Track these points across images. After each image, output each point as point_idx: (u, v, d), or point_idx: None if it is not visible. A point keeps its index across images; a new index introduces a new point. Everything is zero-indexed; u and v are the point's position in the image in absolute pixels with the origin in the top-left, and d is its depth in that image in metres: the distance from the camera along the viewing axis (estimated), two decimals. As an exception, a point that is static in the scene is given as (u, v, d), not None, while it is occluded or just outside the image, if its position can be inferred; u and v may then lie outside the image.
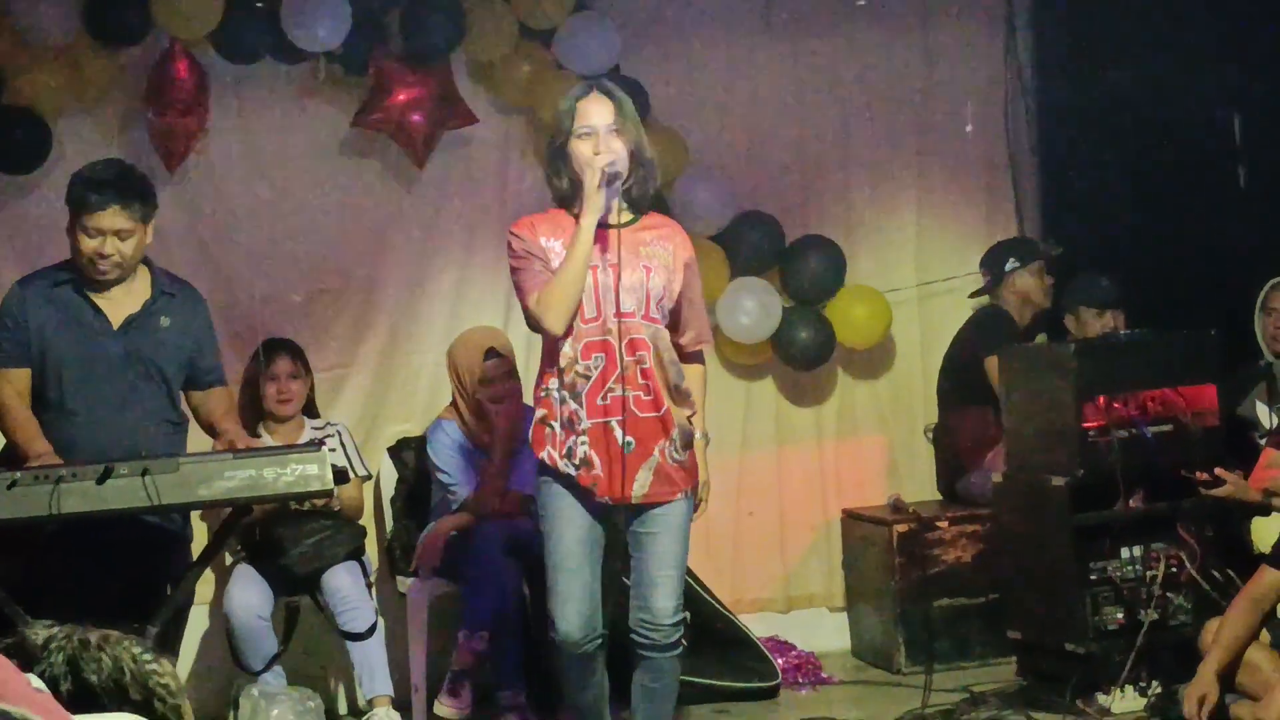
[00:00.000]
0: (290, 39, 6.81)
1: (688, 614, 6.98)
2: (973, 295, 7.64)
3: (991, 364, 6.93)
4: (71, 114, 6.80)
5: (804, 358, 7.54)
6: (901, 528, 7.16)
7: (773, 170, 7.72)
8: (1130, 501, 6.22)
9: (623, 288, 4.90)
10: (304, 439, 6.52)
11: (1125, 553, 6.23)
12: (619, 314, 4.88)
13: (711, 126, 7.62)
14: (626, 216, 5.03)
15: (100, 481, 4.86)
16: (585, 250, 4.86)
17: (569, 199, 4.99)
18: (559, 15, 7.19)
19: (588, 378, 4.88)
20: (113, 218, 5.33)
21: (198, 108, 6.87)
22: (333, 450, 5.14)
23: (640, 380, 4.91)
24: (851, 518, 7.56)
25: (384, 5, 6.99)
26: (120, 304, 5.44)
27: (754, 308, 7.40)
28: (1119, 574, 6.21)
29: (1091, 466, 6.17)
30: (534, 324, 4.98)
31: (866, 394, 7.83)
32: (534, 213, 5.24)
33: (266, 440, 6.54)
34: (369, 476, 6.90)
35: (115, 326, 5.41)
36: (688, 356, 5.21)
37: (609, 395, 4.89)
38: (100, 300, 5.41)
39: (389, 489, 6.99)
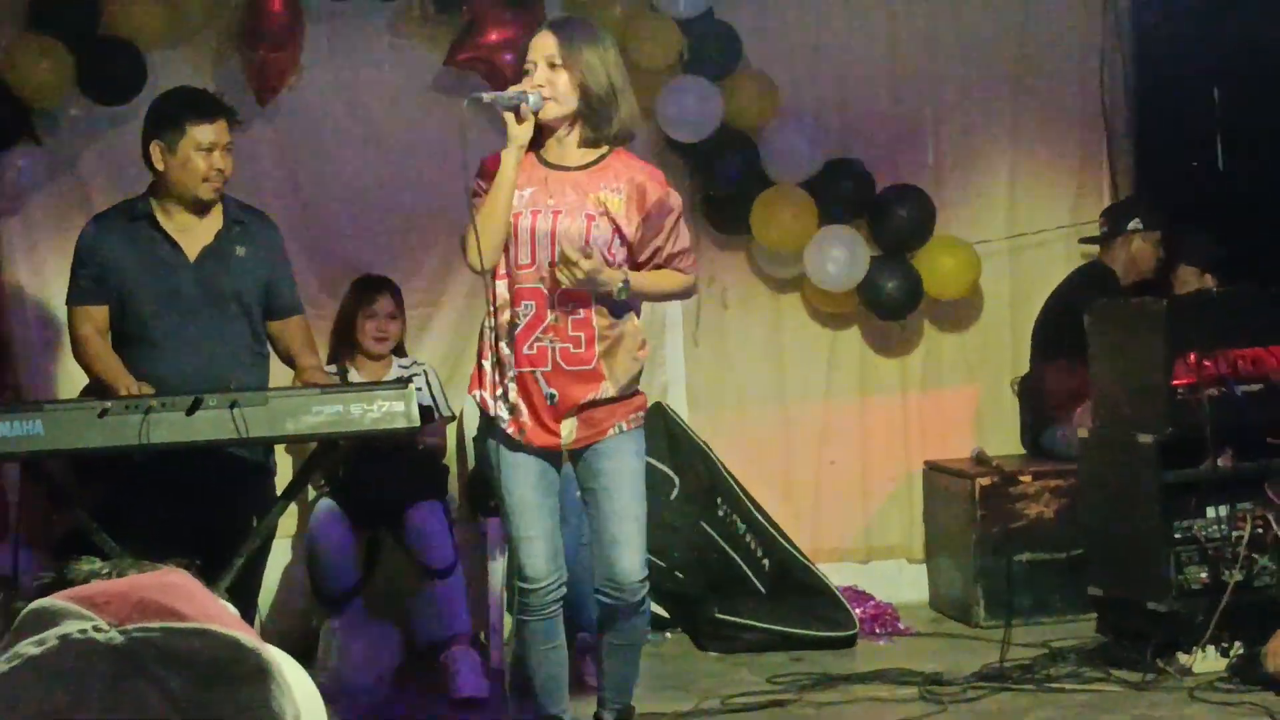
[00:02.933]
0: (385, -25, 6.82)
1: (763, 557, 7.05)
2: (1083, 241, 7.57)
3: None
4: (166, 46, 6.84)
5: (890, 308, 7.50)
6: (984, 481, 7.12)
7: (864, 118, 7.67)
8: (1219, 461, 6.17)
9: (561, 235, 4.71)
10: (391, 376, 6.54)
11: (1211, 512, 6.18)
12: (554, 263, 4.69)
13: (803, 72, 7.58)
14: (582, 157, 4.82)
15: (190, 413, 4.87)
16: (505, 188, 4.70)
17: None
18: (654, -43, 7.16)
19: (519, 323, 4.73)
20: (220, 131, 5.36)
21: (291, 43, 6.89)
22: (419, 389, 5.12)
23: (571, 332, 4.73)
24: (934, 470, 7.53)
25: (479, -56, 6.98)
26: (195, 236, 5.43)
27: (841, 256, 7.36)
28: (1204, 533, 6.15)
29: (1180, 424, 6.11)
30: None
31: (952, 346, 7.78)
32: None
33: (354, 375, 6.58)
34: (453, 417, 6.93)
35: (191, 259, 5.41)
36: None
37: (535, 345, 4.73)
38: (176, 233, 5.41)
39: (471, 429, 6.99)
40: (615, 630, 4.96)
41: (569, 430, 4.80)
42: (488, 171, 4.81)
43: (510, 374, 4.75)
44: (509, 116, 4.72)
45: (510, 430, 4.79)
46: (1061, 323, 7.26)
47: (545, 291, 4.73)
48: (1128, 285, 7.34)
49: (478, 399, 4.86)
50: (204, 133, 5.33)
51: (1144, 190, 7.75)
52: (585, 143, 4.82)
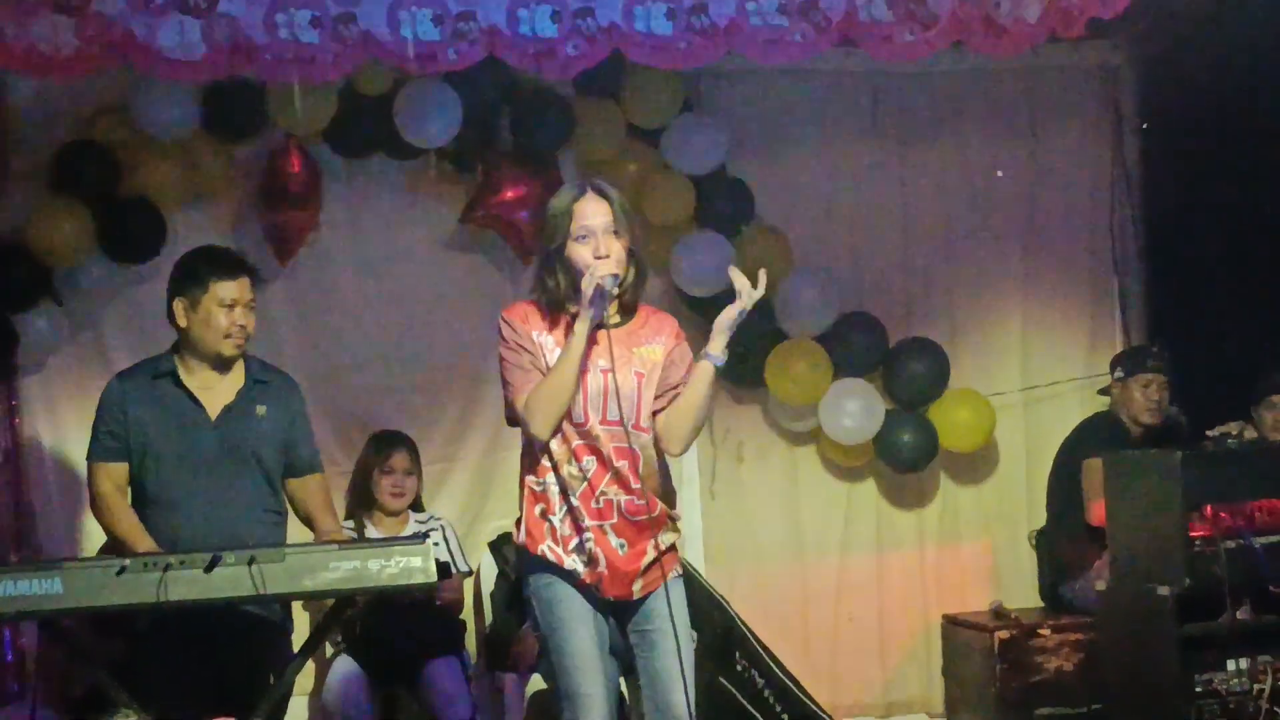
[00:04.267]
0: (402, 136, 6.91)
1: (782, 712, 7.01)
2: (1101, 392, 7.57)
3: (1087, 467, 6.88)
4: (187, 206, 6.93)
5: (906, 460, 7.51)
6: (1003, 634, 7.09)
7: (877, 272, 7.73)
8: (1237, 613, 6.14)
9: (614, 394, 4.73)
10: (408, 532, 6.55)
11: (1231, 665, 6.14)
12: (605, 421, 4.74)
13: (816, 227, 7.65)
14: (616, 313, 4.85)
15: (208, 570, 4.87)
16: (577, 357, 4.69)
17: (562, 302, 4.79)
18: (667, 115, 7.25)
19: (582, 479, 4.75)
20: (243, 288, 5.42)
21: (310, 202, 6.98)
22: (436, 544, 5.12)
23: (633, 484, 4.76)
24: (952, 623, 7.50)
25: (494, 104, 7.07)
26: (217, 394, 5.47)
27: (856, 409, 7.39)
28: (1225, 686, 6.11)
29: (1198, 577, 6.09)
30: (517, 423, 4.81)
31: (969, 498, 7.78)
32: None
33: (371, 531, 6.58)
34: (470, 572, 6.92)
35: (213, 418, 5.43)
36: None
37: (601, 498, 4.76)
38: (198, 391, 5.44)
39: (489, 584, 7.00)
40: None
41: (640, 584, 4.81)
42: (519, 327, 4.80)
43: (587, 525, 4.76)
44: (589, 298, 4.67)
45: (587, 581, 4.78)
46: (1068, 475, 7.25)
47: (602, 449, 4.76)
48: (1139, 432, 7.31)
49: (543, 553, 4.79)
50: (226, 289, 5.39)
51: (1155, 339, 7.76)
52: (620, 305, 4.84)
